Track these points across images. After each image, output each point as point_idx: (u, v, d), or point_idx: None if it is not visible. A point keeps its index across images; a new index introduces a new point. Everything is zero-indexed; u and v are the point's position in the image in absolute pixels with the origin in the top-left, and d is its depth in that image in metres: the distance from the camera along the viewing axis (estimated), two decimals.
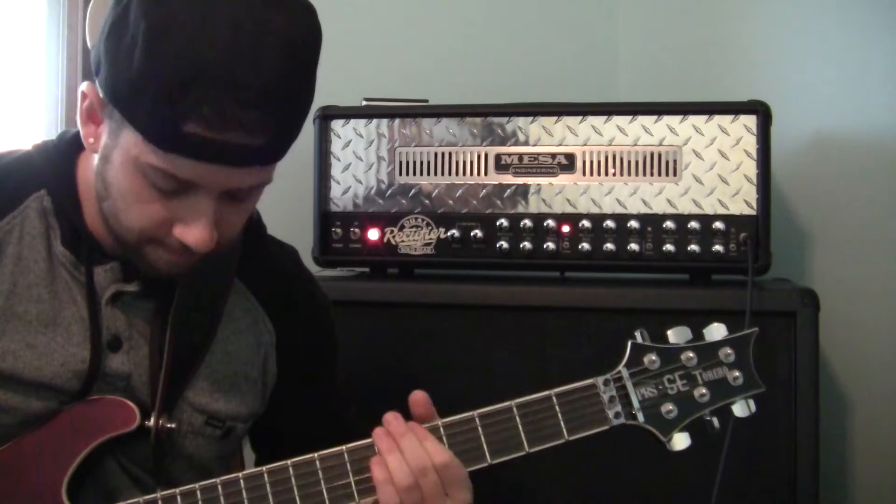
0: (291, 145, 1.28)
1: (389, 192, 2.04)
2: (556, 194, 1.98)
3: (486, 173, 2.01)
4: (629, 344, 1.34)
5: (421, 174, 2.03)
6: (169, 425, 1.37)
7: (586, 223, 1.96)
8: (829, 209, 2.30)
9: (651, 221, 1.94)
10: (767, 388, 1.35)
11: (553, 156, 1.99)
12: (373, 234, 2.04)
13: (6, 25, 2.27)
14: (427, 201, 2.02)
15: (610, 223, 1.95)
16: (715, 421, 1.33)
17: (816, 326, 1.83)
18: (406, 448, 1.28)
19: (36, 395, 1.33)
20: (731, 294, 1.85)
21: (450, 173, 2.02)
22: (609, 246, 1.95)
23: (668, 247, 1.93)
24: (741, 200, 1.92)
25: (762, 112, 1.91)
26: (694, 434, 1.33)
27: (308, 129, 2.06)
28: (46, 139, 1.47)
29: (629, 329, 1.37)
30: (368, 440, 1.31)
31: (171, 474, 1.42)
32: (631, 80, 2.64)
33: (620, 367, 1.33)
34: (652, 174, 1.95)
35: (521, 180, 1.99)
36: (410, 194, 2.03)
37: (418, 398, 1.34)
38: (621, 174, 1.96)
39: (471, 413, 1.32)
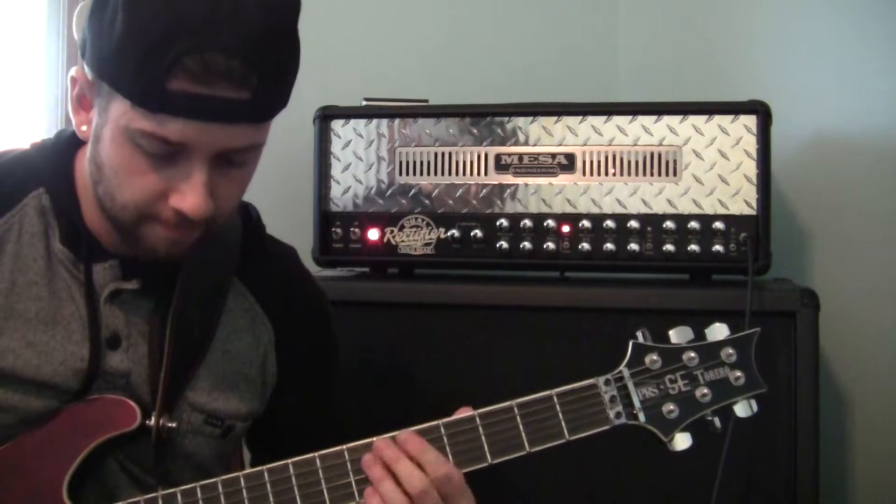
0: (279, 106, 1.29)
1: (389, 192, 2.04)
2: (556, 194, 1.98)
3: (486, 173, 2.01)
4: (630, 344, 1.34)
5: (421, 174, 2.03)
6: (170, 424, 1.37)
7: (586, 223, 1.96)
8: (829, 209, 2.30)
9: (651, 221, 1.94)
10: (767, 388, 1.35)
11: (553, 156, 1.99)
12: (373, 234, 2.03)
13: (6, 25, 2.27)
14: (427, 201, 2.02)
15: (610, 223, 1.95)
16: (716, 421, 1.33)
17: (816, 326, 1.82)
18: (402, 473, 1.27)
19: (36, 394, 1.34)
20: (731, 294, 1.85)
21: (450, 173, 2.02)
22: (609, 246, 1.95)
23: (668, 247, 1.93)
24: (741, 200, 1.92)
25: (762, 112, 1.91)
26: (695, 434, 1.33)
27: (308, 129, 2.08)
28: (45, 138, 1.47)
29: (629, 329, 1.37)
30: (369, 439, 1.31)
31: (171, 474, 1.42)
32: (631, 80, 2.64)
33: (622, 367, 1.33)
34: (652, 174, 1.95)
35: (521, 180, 1.99)
36: (410, 194, 2.03)
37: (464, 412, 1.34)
38: (621, 174, 1.96)
39: (471, 413, 1.32)
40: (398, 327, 1.97)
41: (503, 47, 2.63)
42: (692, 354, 1.33)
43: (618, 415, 1.32)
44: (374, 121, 2.05)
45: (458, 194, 2.01)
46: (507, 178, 2.00)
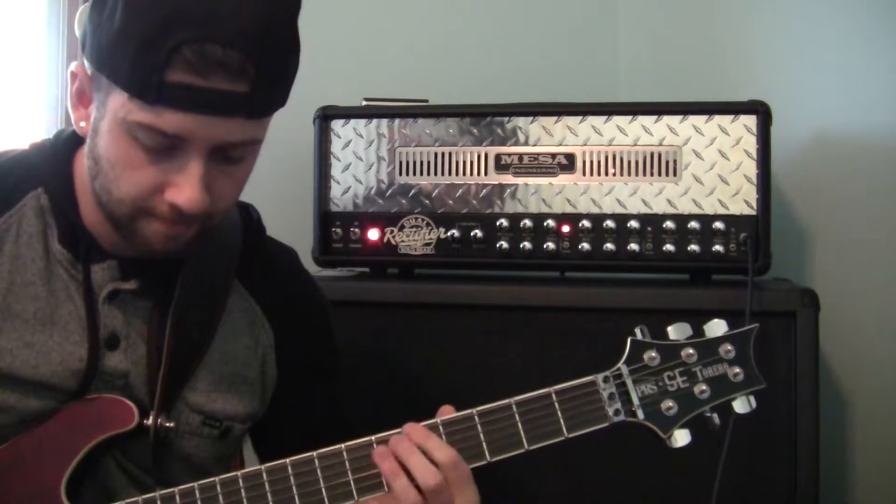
0: (277, 103, 1.28)
1: (389, 192, 2.04)
2: (556, 194, 1.98)
3: (486, 173, 2.01)
4: (629, 340, 1.34)
5: (421, 174, 2.03)
6: (167, 424, 1.37)
7: (586, 223, 1.96)
8: (829, 209, 2.30)
9: (651, 221, 1.94)
10: (767, 388, 1.35)
11: (553, 156, 1.99)
12: (373, 234, 2.03)
13: (6, 25, 2.27)
14: (427, 201, 2.02)
15: (610, 223, 1.95)
16: (715, 417, 1.33)
17: (816, 326, 1.82)
18: (417, 469, 1.27)
19: (34, 394, 1.33)
20: (731, 294, 1.85)
21: (450, 173, 2.02)
22: (609, 246, 1.95)
23: (668, 247, 1.93)
24: (741, 200, 1.92)
25: (762, 112, 1.91)
26: (694, 432, 1.32)
27: (308, 129, 2.08)
28: (44, 138, 1.47)
29: (629, 329, 1.37)
30: (367, 438, 1.31)
31: (170, 474, 1.41)
32: (631, 80, 2.64)
33: (620, 364, 1.33)
34: (652, 174, 1.95)
35: (521, 180, 1.99)
36: (410, 194, 2.03)
37: (445, 411, 1.34)
38: (621, 174, 1.96)
39: (470, 411, 1.32)
40: (398, 327, 1.97)
41: (503, 47, 2.64)
42: (691, 351, 1.33)
43: (616, 412, 1.32)
44: (374, 121, 2.05)
45: (458, 194, 2.01)
46: (507, 178, 2.00)
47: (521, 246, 1.97)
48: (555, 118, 1.99)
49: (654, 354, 1.33)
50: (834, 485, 2.22)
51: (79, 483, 1.34)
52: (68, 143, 1.41)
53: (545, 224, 1.97)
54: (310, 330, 1.58)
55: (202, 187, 1.24)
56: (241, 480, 1.31)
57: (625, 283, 1.97)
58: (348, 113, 2.07)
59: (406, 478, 1.27)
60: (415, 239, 2.02)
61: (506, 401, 1.32)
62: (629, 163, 1.96)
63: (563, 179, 1.98)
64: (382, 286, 2.03)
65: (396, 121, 2.04)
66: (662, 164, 1.95)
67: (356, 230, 2.04)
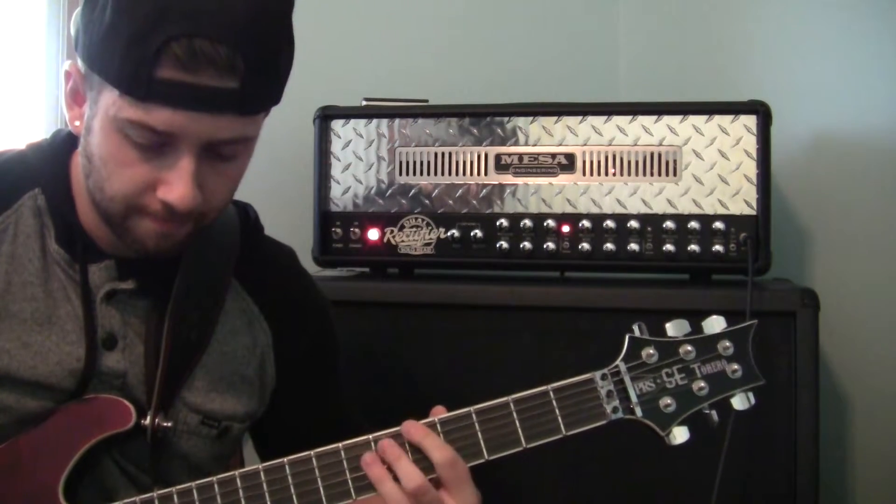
0: (269, 100, 1.28)
1: (389, 192, 2.04)
2: (556, 194, 1.98)
3: (486, 173, 2.01)
4: (627, 338, 1.34)
5: (421, 174, 2.03)
6: (165, 424, 1.37)
7: (586, 223, 1.96)
8: (829, 209, 2.30)
9: (651, 221, 1.94)
10: (767, 388, 1.35)
11: (553, 156, 1.99)
12: (373, 234, 2.03)
13: (6, 25, 2.27)
14: (427, 201, 2.02)
15: (610, 223, 1.95)
16: (714, 415, 1.32)
17: (816, 326, 1.82)
18: (401, 472, 1.28)
19: (31, 395, 1.33)
20: (731, 294, 1.84)
21: (450, 173, 2.02)
22: (609, 246, 1.95)
23: (668, 247, 1.93)
24: (741, 200, 1.91)
25: (762, 112, 1.91)
26: (693, 429, 1.32)
27: (308, 129, 2.08)
28: (41, 138, 1.47)
29: (629, 329, 1.36)
30: (365, 437, 1.31)
31: (168, 474, 1.41)
32: (631, 80, 2.64)
33: (618, 362, 1.33)
34: (652, 174, 1.95)
35: (521, 180, 1.99)
36: (410, 194, 2.03)
37: (438, 412, 1.34)
38: (621, 174, 1.96)
39: (467, 409, 1.32)
40: (398, 327, 1.97)
41: (503, 47, 2.63)
42: (689, 348, 1.32)
43: (615, 409, 1.31)
44: (374, 121, 2.05)
45: (458, 194, 2.01)
46: (507, 178, 2.00)
47: (521, 246, 1.97)
48: (555, 118, 1.99)
49: (652, 351, 1.33)
50: (834, 485, 2.22)
51: (77, 483, 1.34)
52: (65, 144, 1.41)
53: (545, 224, 1.97)
54: (308, 329, 1.58)
55: (193, 184, 1.23)
56: (238, 480, 1.30)
57: (625, 283, 1.96)
58: (348, 113, 2.07)
59: (392, 482, 1.27)
60: (415, 239, 2.02)
61: (503, 399, 1.32)
62: (629, 163, 1.96)
63: (563, 179, 1.98)
64: (382, 286, 2.03)
65: (396, 121, 2.04)
66: (662, 164, 1.95)
67: (356, 230, 2.04)
